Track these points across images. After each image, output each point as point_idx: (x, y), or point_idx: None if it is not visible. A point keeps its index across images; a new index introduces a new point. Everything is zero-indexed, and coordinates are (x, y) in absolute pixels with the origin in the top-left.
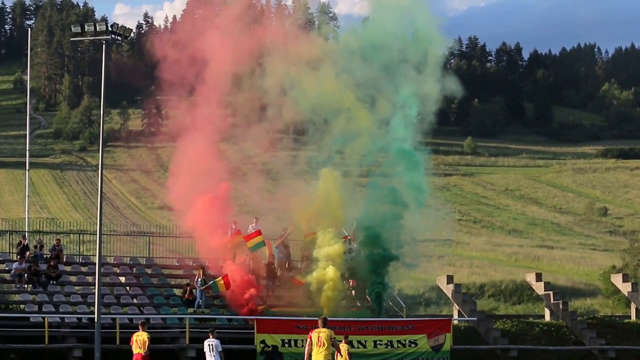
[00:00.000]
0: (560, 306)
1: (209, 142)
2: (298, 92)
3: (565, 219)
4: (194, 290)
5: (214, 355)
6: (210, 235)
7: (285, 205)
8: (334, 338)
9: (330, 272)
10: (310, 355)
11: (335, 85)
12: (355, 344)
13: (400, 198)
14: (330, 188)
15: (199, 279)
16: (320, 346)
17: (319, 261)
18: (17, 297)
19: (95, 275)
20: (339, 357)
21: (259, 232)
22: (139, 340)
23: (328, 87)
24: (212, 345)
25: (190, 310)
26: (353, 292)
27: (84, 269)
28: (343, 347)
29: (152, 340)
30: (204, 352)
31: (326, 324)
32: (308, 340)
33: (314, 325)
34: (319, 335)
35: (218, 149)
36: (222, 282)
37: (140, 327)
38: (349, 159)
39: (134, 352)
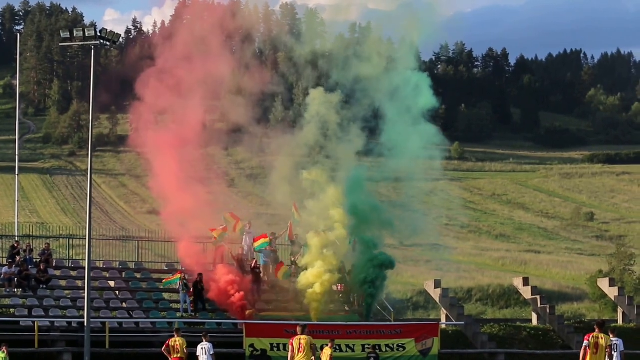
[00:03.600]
0: (548, 310)
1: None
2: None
3: (552, 224)
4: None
5: (207, 359)
6: (174, 195)
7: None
8: (314, 344)
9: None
10: None
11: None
12: (343, 347)
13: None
14: (321, 108)
15: (181, 284)
16: (301, 352)
17: (315, 215)
18: (7, 301)
19: (84, 279)
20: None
21: (265, 235)
22: (176, 346)
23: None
24: (204, 348)
25: (179, 314)
26: (341, 296)
27: (73, 273)
28: (327, 351)
29: (141, 344)
30: (197, 356)
31: (305, 330)
32: (290, 347)
33: (292, 330)
34: (300, 341)
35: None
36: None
37: (175, 333)
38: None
39: (171, 357)
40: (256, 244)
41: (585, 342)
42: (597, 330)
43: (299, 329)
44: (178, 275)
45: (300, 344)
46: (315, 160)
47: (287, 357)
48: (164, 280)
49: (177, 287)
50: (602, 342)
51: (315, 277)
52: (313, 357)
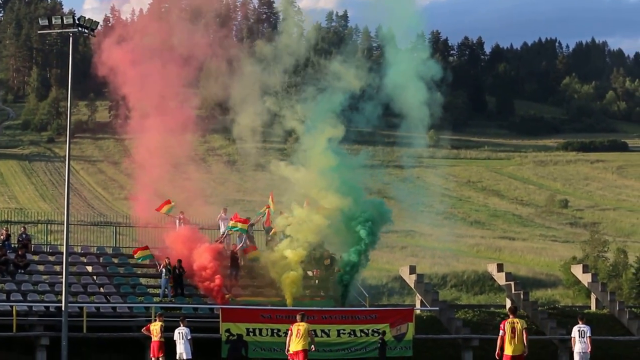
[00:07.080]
0: (522, 296)
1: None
2: None
3: (526, 211)
4: (163, 270)
5: (184, 343)
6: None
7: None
8: (311, 331)
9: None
10: (289, 345)
11: None
12: (318, 332)
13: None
14: (298, 23)
15: (164, 268)
16: (299, 337)
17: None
18: None
19: (62, 264)
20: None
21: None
22: (156, 330)
23: None
24: (182, 333)
25: (157, 299)
26: (317, 281)
27: (51, 258)
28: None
29: (118, 329)
30: (174, 340)
31: (304, 318)
32: (289, 332)
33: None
34: (298, 328)
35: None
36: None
37: (157, 318)
38: None
39: (153, 340)
40: (231, 223)
41: (501, 332)
42: (511, 317)
43: (298, 317)
44: (148, 251)
45: (298, 330)
46: (288, 87)
47: (263, 341)
48: (136, 255)
49: (159, 268)
50: (518, 326)
51: (308, 216)
52: (313, 345)
